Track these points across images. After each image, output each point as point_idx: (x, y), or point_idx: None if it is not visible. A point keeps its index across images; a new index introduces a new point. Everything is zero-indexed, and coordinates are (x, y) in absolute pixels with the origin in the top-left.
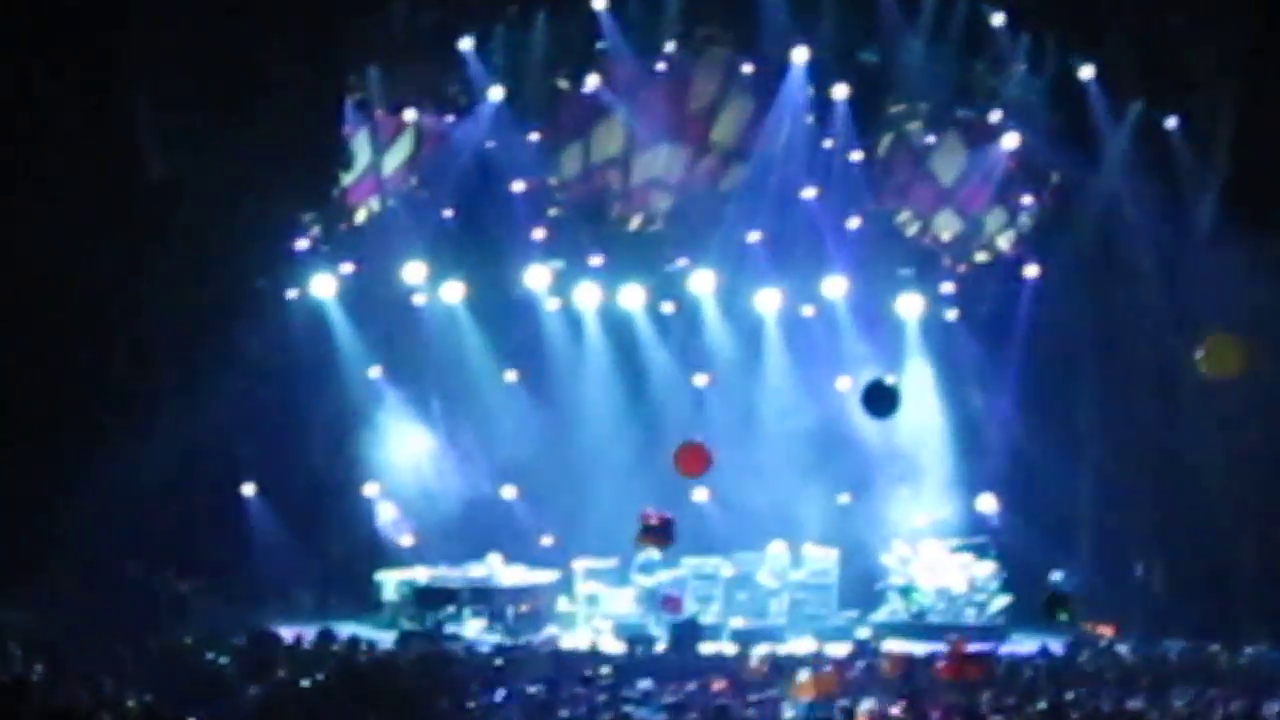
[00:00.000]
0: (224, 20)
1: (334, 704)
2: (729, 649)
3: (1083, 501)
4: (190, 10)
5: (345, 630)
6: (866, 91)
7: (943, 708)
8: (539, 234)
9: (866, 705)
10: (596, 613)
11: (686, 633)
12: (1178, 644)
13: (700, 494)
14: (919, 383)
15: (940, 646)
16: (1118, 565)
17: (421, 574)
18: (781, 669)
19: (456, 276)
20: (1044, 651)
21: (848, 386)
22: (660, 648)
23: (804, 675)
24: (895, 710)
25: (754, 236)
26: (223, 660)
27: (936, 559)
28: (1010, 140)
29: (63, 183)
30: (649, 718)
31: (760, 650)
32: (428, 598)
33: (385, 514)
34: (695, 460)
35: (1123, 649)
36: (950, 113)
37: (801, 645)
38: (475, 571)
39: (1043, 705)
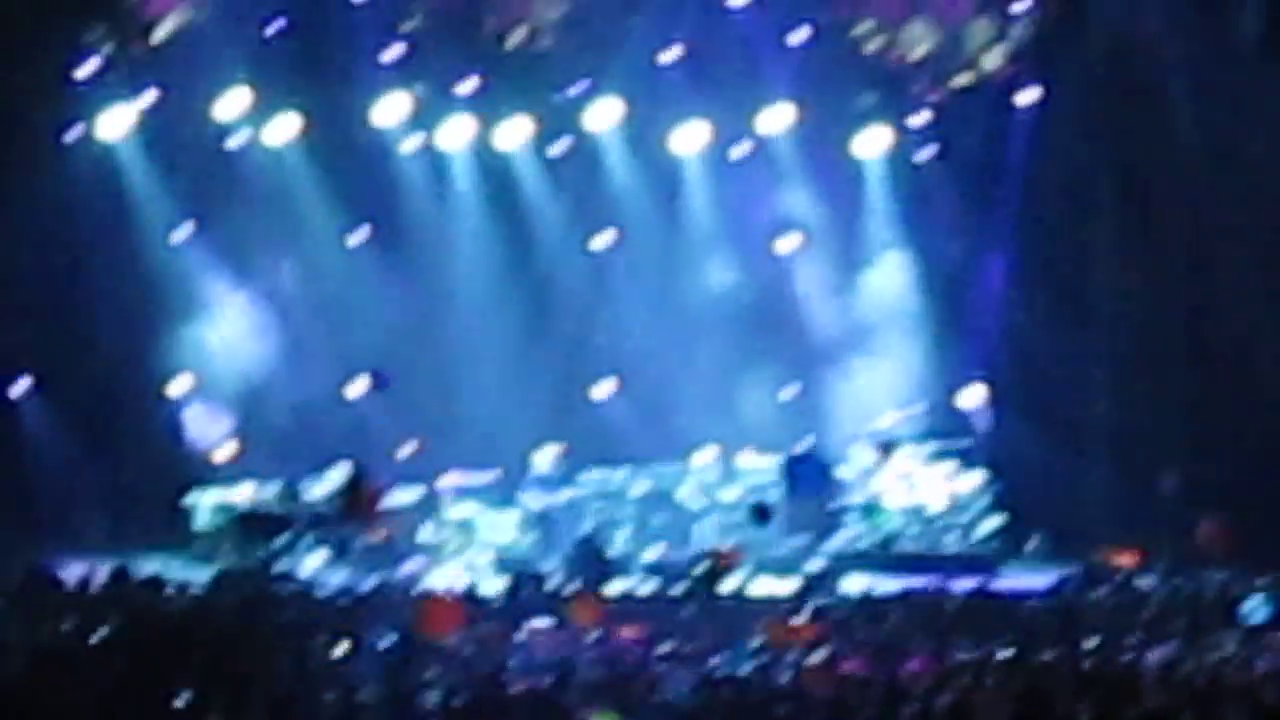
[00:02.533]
0: None
1: (131, 662)
2: (643, 587)
3: (1095, 394)
4: None
5: (146, 568)
6: None
7: (916, 661)
8: (392, 53)
9: (818, 656)
10: (471, 542)
11: (585, 557)
12: (1217, 576)
13: (603, 389)
14: (884, 243)
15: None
16: (1140, 475)
17: (244, 495)
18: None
19: (286, 109)
20: (1049, 588)
21: (792, 247)
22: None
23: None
24: (853, 664)
25: (671, 55)
26: None
27: (908, 469)
28: None
29: None
30: (534, 677)
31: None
32: (253, 526)
33: (197, 418)
34: (444, 618)
35: (1147, 582)
36: None
37: (735, 581)
38: (314, 492)
39: (1046, 655)
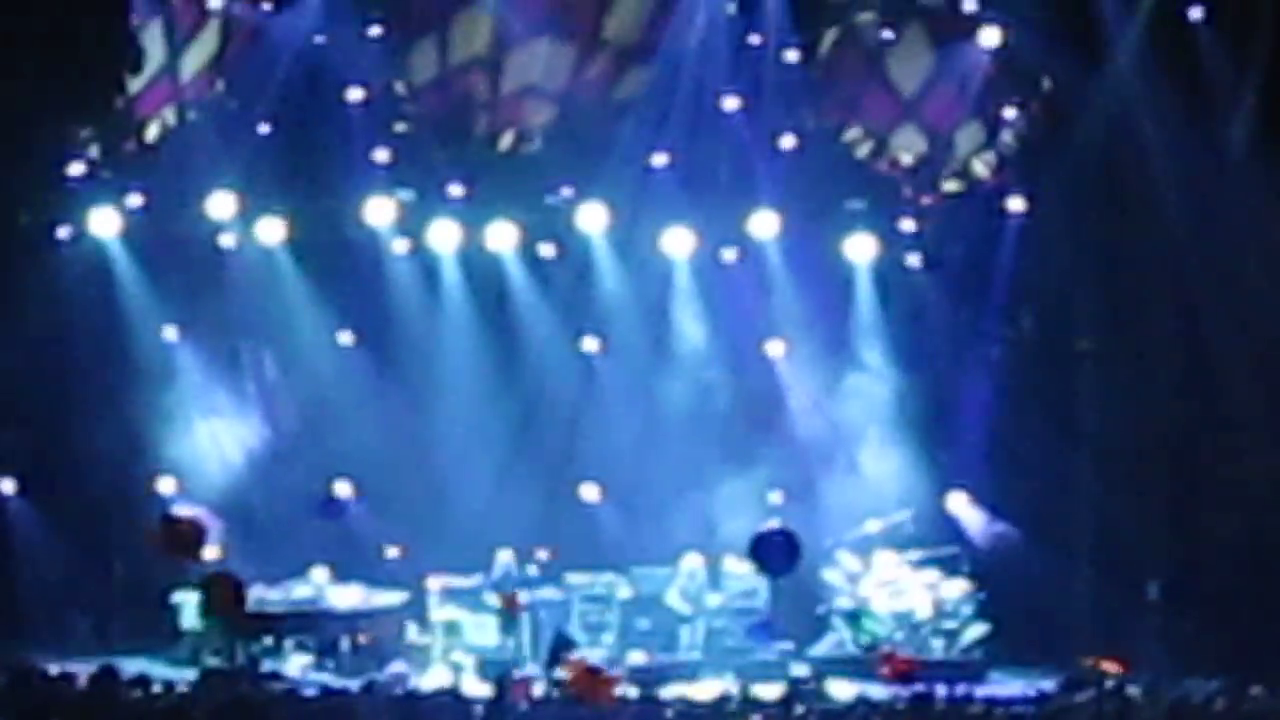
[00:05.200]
0: None
1: None
2: (628, 691)
3: (1081, 503)
4: None
5: (132, 667)
6: None
7: None
8: (382, 156)
9: None
10: (457, 645)
11: (557, 650)
12: (1205, 685)
13: (590, 492)
14: (872, 348)
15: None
16: (1126, 583)
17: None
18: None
19: (276, 211)
20: (1033, 694)
21: (780, 353)
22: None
23: None
24: None
25: (659, 160)
26: None
27: (894, 576)
28: (990, 36)
29: None
30: None
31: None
32: (239, 626)
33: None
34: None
35: (1134, 690)
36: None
37: (721, 687)
38: (300, 592)
39: None
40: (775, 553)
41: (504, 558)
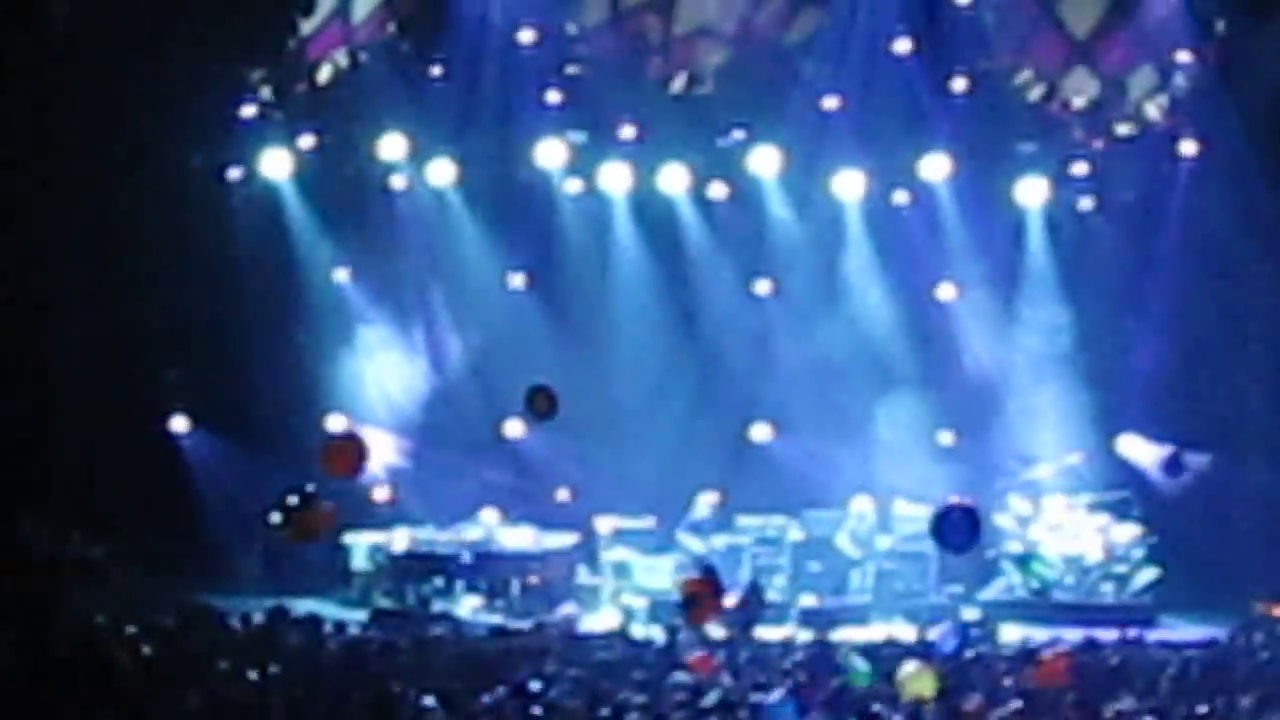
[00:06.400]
0: None
1: (288, 701)
2: (799, 634)
3: (1254, 446)
4: None
5: (303, 607)
6: None
7: (1065, 713)
8: (554, 98)
9: (972, 704)
10: (627, 587)
11: (749, 602)
12: None
13: (762, 432)
14: (1042, 290)
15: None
16: None
17: (401, 537)
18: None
19: (447, 153)
20: (1204, 640)
21: (951, 295)
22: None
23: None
24: (1007, 712)
25: (831, 103)
26: (146, 648)
27: (1065, 519)
28: None
29: None
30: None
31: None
32: (409, 567)
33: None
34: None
35: None
36: None
37: (891, 630)
38: (470, 534)
39: (1201, 710)
40: (955, 529)
41: (706, 500)
